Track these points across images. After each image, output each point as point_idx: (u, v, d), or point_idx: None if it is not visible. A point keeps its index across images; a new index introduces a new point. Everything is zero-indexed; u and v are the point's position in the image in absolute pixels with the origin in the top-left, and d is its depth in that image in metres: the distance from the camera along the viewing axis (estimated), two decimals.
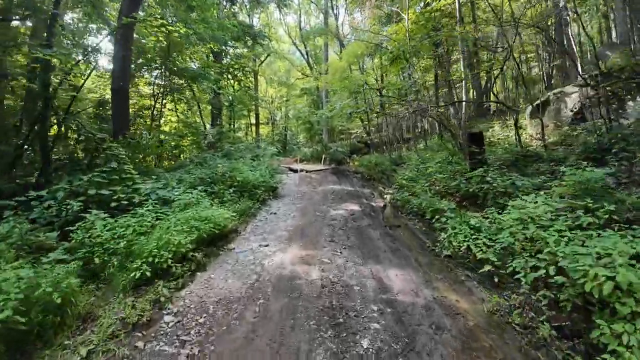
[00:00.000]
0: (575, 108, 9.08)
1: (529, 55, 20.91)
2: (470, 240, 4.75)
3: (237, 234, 6.59)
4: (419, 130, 22.55)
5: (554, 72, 18.92)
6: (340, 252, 5.30)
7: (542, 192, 5.36)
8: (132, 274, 4.25)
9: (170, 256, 4.46)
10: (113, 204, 5.86)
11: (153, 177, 7.41)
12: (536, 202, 4.64)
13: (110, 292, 4.40)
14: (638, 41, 14.40)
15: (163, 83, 12.80)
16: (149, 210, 5.64)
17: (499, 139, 10.11)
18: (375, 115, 14.79)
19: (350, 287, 4.10)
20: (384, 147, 18.20)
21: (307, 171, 15.36)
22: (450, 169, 7.68)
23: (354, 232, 6.51)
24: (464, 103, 9.54)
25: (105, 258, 4.59)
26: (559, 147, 8.05)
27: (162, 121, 17.91)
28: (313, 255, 5.22)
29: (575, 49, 10.80)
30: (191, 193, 6.73)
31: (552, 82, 15.60)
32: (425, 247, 5.69)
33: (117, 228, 4.98)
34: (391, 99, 11.34)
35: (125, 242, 4.68)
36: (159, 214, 5.82)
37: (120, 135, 7.95)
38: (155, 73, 14.15)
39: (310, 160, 19.48)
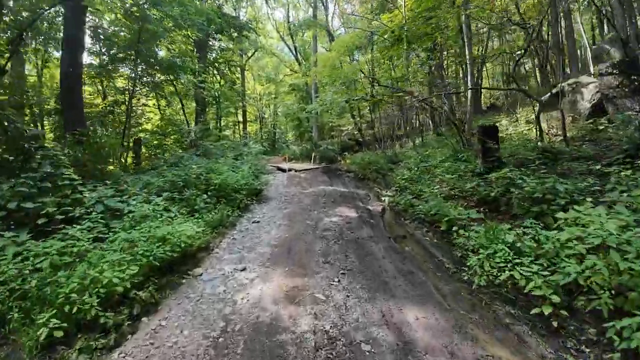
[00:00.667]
0: (594, 100, 7.96)
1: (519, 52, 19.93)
2: (513, 265, 3.47)
3: (209, 252, 5.17)
4: (412, 126, 21.37)
5: (548, 67, 17.96)
6: (339, 281, 3.94)
7: (589, 199, 4.12)
8: (39, 331, 2.83)
9: (96, 302, 3.03)
10: (41, 221, 4.37)
11: (107, 182, 5.90)
12: (599, 214, 3.38)
13: (17, 354, 2.98)
14: (634, 36, 13.61)
15: (134, 75, 11.13)
16: (84, 229, 4.16)
17: (508, 134, 8.92)
18: (370, 106, 13.37)
19: (357, 347, 2.75)
20: (377, 145, 16.94)
21: (296, 170, 13.97)
22: (463, 168, 6.44)
23: (353, 247, 5.17)
24: (469, 93, 8.27)
25: (10, 304, 3.14)
26: (581, 142, 6.90)
27: (143, 119, 16.28)
28: (303, 286, 3.85)
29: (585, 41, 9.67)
30: (149, 203, 5.26)
31: (550, 77, 14.55)
32: (443, 267, 4.39)
33: (32, 258, 3.51)
34: (387, 89, 9.96)
35: (37, 280, 3.22)
36: (101, 233, 4.35)
37: (68, 133, 6.39)
38: (130, 67, 12.46)
39: (299, 158, 18.11)
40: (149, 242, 3.97)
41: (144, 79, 12.49)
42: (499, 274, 3.51)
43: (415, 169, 8.62)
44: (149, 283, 3.78)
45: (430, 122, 17.51)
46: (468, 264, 3.84)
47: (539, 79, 17.69)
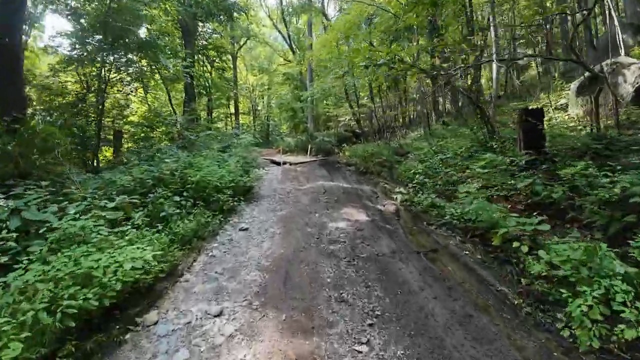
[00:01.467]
0: (638, 83, 6.59)
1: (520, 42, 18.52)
2: None
3: (175, 278, 3.62)
4: (410, 117, 19.90)
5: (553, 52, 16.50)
6: (367, 342, 2.45)
7: None
8: None
9: None
10: None
11: (44, 182, 4.28)
12: None
13: None
14: None
15: (102, 57, 9.32)
16: None
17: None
18: (369, 94, 11.72)
19: None
20: (376, 136, 15.45)
21: (291, 163, 12.44)
22: (508, 162, 4.99)
23: (374, 270, 3.69)
24: (495, 69, 6.71)
25: None
26: (634, 131, 5.53)
27: (128, 110, 14.49)
28: (310, 354, 2.35)
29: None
30: (89, 212, 3.67)
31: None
32: (507, 303, 2.95)
33: None
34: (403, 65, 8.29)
35: None
36: (11, 262, 2.77)
37: None
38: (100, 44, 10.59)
39: (294, 151, 16.56)
40: (64, 284, 2.41)
41: (119, 60, 10.63)
42: (623, 330, 2.07)
43: (432, 161, 7.15)
44: (62, 352, 2.24)
45: (433, 112, 16.05)
46: (570, 312, 2.36)
47: (539, 69, 16.30)
